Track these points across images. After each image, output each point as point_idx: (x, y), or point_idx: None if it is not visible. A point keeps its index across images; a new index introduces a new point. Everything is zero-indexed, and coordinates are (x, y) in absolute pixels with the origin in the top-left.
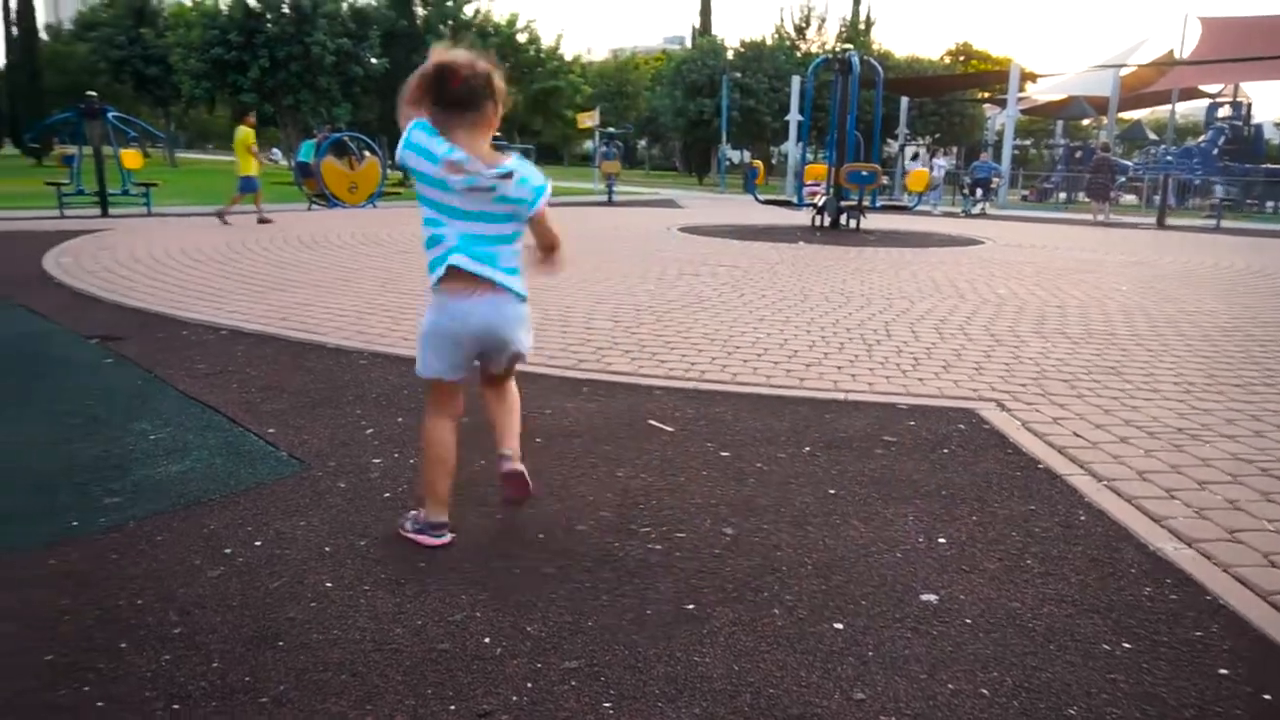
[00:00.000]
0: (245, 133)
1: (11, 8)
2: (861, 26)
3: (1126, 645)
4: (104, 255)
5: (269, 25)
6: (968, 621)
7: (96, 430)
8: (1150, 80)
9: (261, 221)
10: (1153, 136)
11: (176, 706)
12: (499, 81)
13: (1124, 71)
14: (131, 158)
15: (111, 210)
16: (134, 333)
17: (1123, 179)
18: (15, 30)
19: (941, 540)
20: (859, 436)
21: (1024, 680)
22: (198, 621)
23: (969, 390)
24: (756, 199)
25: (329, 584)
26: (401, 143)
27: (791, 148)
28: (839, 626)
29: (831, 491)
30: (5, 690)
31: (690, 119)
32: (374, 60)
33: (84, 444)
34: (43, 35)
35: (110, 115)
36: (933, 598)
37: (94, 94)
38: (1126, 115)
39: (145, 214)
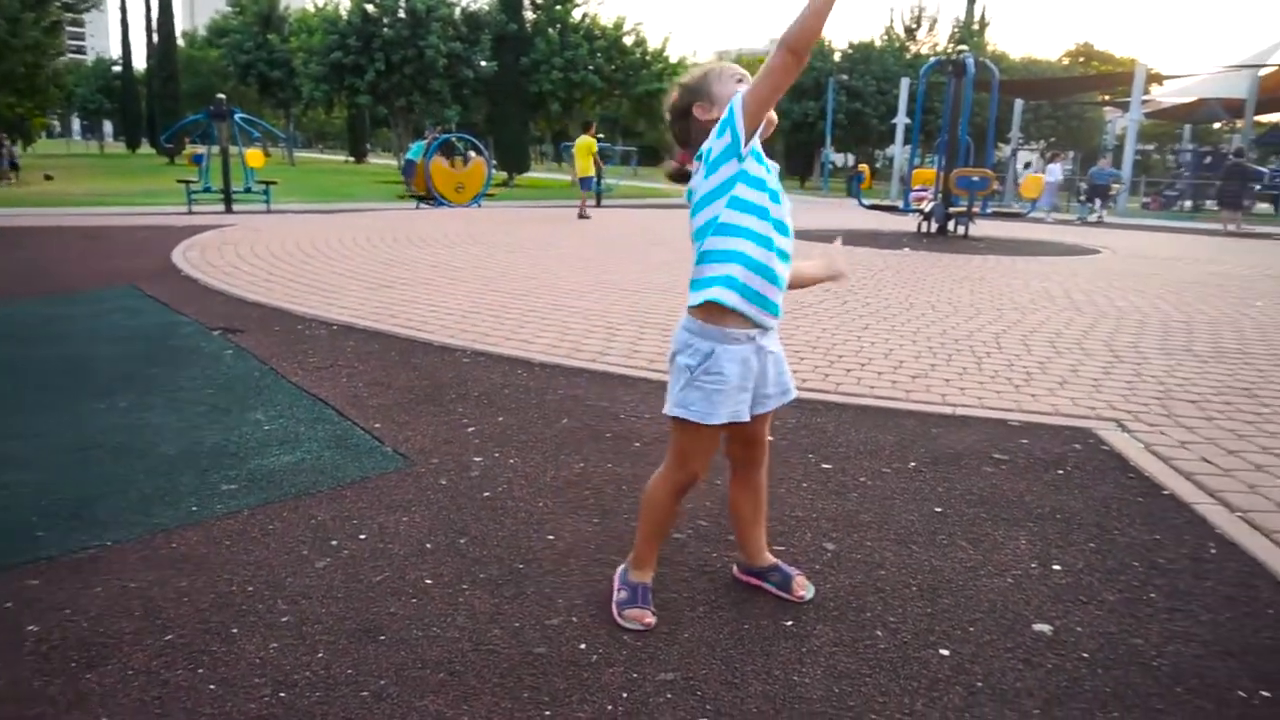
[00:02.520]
0: (588, 141)
1: (153, 17)
2: (975, 27)
3: (1265, 694)
4: (227, 250)
5: (385, 30)
6: (1084, 656)
7: (217, 419)
8: None
9: (581, 217)
10: None
11: (283, 694)
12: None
13: (1263, 72)
14: (254, 157)
15: (235, 207)
16: (253, 325)
17: (1258, 187)
18: (155, 38)
19: (1056, 567)
20: (967, 453)
21: None
22: (304, 611)
23: (1086, 409)
24: (861, 203)
25: (429, 581)
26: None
27: (898, 151)
28: (945, 653)
29: (938, 510)
30: (128, 666)
31: (794, 121)
32: (484, 63)
33: (206, 431)
34: (179, 42)
35: (237, 116)
36: (1046, 628)
37: (223, 96)
38: (1264, 119)
39: (265, 210)
